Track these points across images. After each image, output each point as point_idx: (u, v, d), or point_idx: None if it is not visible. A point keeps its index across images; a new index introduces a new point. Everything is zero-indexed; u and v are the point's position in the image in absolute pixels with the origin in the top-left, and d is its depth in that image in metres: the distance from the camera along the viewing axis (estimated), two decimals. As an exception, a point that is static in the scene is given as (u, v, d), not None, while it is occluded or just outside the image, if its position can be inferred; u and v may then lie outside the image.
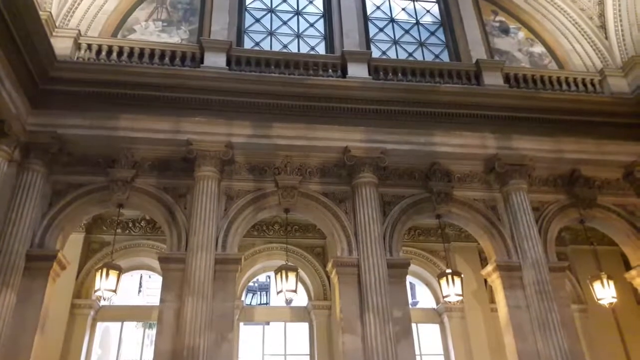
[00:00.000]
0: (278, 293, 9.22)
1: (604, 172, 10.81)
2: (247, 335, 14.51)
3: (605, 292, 9.87)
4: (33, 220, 8.71)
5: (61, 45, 9.88)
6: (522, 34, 13.21)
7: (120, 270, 8.95)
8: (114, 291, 8.78)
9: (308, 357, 11.30)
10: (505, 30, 13.20)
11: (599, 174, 10.77)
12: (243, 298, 12.16)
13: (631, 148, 10.79)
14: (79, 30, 10.33)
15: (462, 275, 9.57)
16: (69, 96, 9.46)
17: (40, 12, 8.92)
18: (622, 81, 11.87)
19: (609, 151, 10.77)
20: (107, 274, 8.71)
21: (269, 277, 14.98)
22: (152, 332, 12.22)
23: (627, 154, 10.76)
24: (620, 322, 11.90)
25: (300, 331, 12.30)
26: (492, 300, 11.12)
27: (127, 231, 11.66)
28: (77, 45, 10.25)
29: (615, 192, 10.80)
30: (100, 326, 11.62)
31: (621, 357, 11.53)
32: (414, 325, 10.16)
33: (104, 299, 10.03)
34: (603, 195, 10.67)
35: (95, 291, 8.80)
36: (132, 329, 14.12)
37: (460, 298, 9.39)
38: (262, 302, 17.45)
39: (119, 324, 11.98)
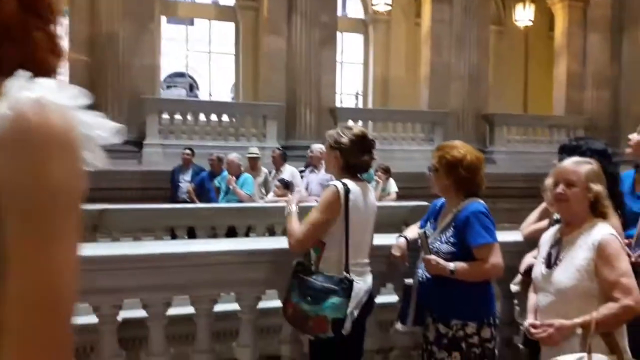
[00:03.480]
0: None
1: None
2: (171, 33, 14.18)
3: (524, 14, 10.27)
4: None
5: None
6: None
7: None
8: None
9: (233, 56, 11.43)
10: None
11: None
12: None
13: None
14: None
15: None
16: None
17: None
18: None
19: None
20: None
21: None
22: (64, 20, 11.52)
23: None
24: (529, 46, 12.76)
25: (225, 31, 12.14)
26: (418, 15, 11.24)
27: None
28: None
29: None
30: None
31: (521, 78, 12.78)
32: (339, 34, 10.28)
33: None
34: None
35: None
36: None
37: (389, 8, 9.41)
38: (186, -1, 16.48)
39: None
